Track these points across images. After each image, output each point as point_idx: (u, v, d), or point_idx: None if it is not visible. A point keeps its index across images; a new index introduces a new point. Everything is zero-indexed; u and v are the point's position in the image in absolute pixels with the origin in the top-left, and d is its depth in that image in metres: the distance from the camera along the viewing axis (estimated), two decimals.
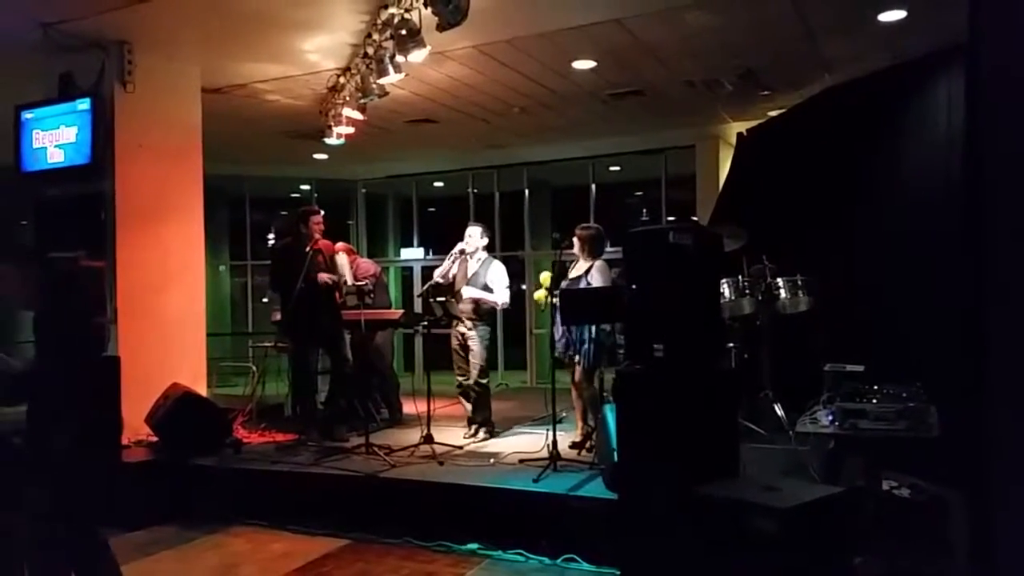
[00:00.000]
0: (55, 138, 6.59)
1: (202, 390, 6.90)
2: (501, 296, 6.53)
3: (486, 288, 6.52)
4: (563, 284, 6.10)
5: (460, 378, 6.71)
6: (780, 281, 6.13)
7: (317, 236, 6.52)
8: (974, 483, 2.41)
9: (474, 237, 6.65)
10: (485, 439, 6.59)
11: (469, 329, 6.55)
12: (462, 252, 6.62)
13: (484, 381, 6.67)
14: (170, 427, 6.16)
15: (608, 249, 6.31)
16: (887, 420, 4.06)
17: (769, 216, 6.69)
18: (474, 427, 6.68)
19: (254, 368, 8.22)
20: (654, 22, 6.45)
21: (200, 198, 7.26)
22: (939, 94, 6.12)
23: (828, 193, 6.72)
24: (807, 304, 6.08)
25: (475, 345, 6.55)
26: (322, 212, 6.76)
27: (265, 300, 12.28)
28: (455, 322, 6.58)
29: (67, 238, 6.47)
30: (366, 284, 6.62)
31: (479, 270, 6.58)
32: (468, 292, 6.49)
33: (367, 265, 7.74)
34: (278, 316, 7.44)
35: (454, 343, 6.68)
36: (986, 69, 2.44)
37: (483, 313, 6.59)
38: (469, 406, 6.72)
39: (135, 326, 6.45)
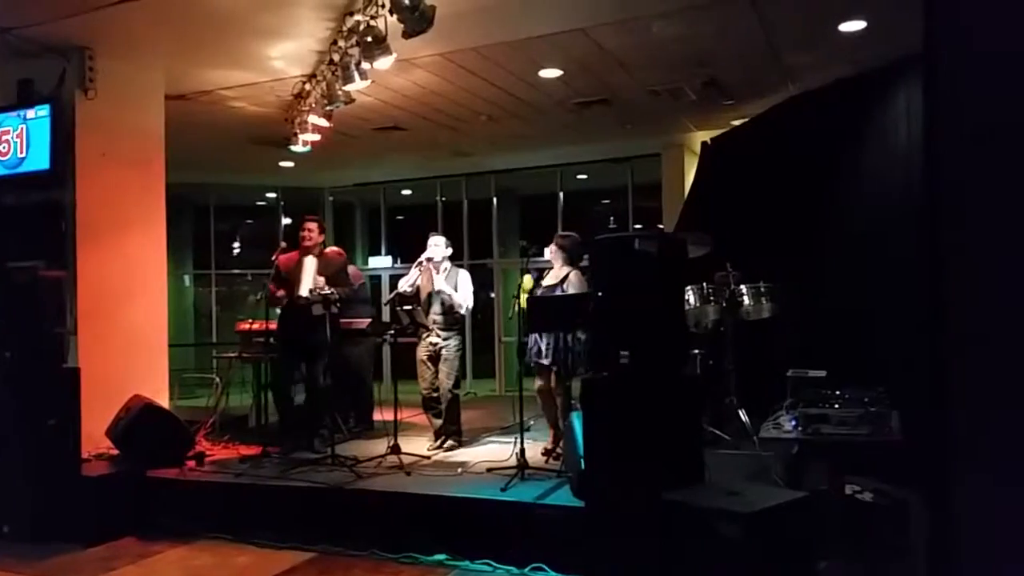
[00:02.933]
0: (13, 145, 6.47)
1: (164, 402, 6.79)
2: (465, 299, 6.54)
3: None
4: (539, 291, 6.12)
5: (425, 391, 6.64)
6: (744, 288, 6.18)
7: (306, 244, 6.50)
8: (933, 486, 2.44)
9: (440, 246, 6.64)
10: (452, 448, 6.55)
11: (444, 339, 6.53)
12: (430, 260, 6.60)
13: (456, 391, 6.66)
14: (131, 439, 6.05)
15: None
16: (849, 424, 4.11)
17: (733, 223, 6.76)
18: (441, 438, 6.61)
19: (218, 379, 8.11)
20: (619, 31, 6.49)
21: (163, 207, 7.15)
22: (899, 103, 6.24)
23: (791, 201, 6.82)
24: (770, 311, 6.14)
25: (449, 354, 6.52)
26: (307, 220, 6.72)
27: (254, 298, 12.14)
28: (425, 333, 6.55)
29: (26, 248, 6.36)
30: (332, 293, 6.56)
31: (446, 280, 6.57)
32: (439, 283, 6.48)
33: (353, 272, 7.66)
34: (244, 326, 7.38)
35: (422, 354, 6.61)
36: (941, 78, 2.48)
37: (455, 322, 6.60)
38: (437, 421, 6.66)
39: (96, 337, 6.34)
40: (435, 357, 6.56)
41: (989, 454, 2.27)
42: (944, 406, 2.36)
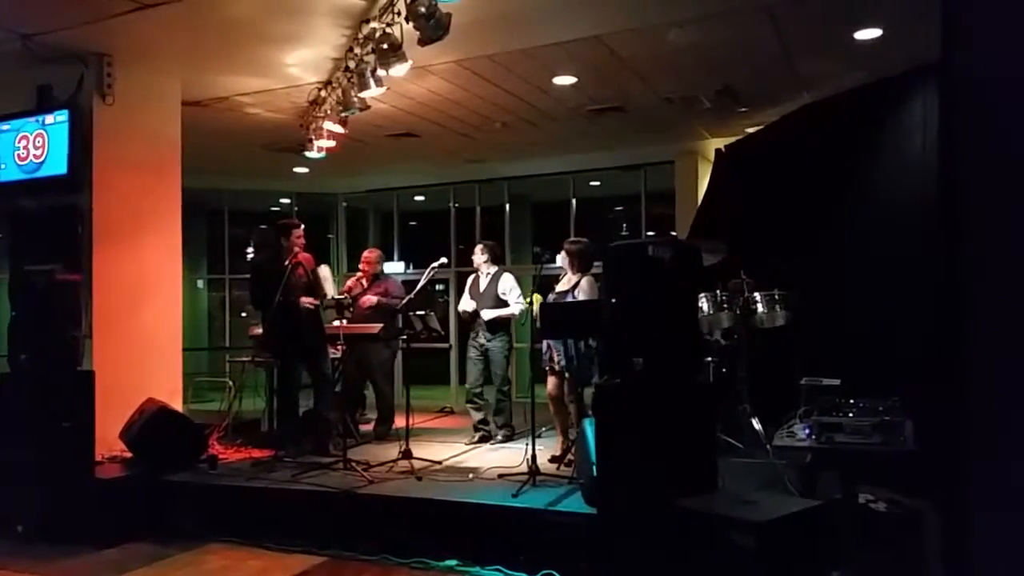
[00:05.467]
0: (32, 150, 6.53)
1: (178, 405, 6.82)
2: (516, 307, 6.89)
3: (499, 300, 6.91)
4: (550, 297, 6.15)
5: (470, 387, 7.12)
6: (757, 296, 6.15)
7: (297, 249, 6.50)
8: (948, 496, 2.42)
9: (476, 256, 7.12)
10: (503, 441, 6.98)
11: (489, 341, 6.91)
12: (476, 272, 7.13)
13: (506, 389, 7.09)
14: (145, 443, 6.08)
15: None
16: (863, 433, 4.09)
17: (747, 231, 6.75)
18: (480, 432, 7.07)
19: (231, 383, 8.15)
20: (634, 39, 6.49)
21: (178, 211, 7.20)
22: (915, 111, 6.22)
23: (805, 208, 6.79)
24: (784, 319, 6.11)
25: (495, 356, 6.93)
26: (302, 225, 6.75)
27: (244, 314, 12.23)
28: (473, 333, 7.00)
29: (43, 251, 6.40)
30: (346, 298, 6.61)
31: (489, 284, 6.94)
32: (487, 315, 6.90)
33: (392, 285, 7.71)
34: (257, 331, 7.40)
35: (471, 353, 7.06)
36: (958, 86, 2.48)
37: (501, 323, 6.96)
38: (477, 415, 7.10)
39: (111, 340, 6.38)
40: (483, 356, 6.96)
41: (1005, 459, 2.26)
42: (957, 416, 2.35)
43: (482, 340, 6.95)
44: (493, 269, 7.04)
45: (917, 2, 5.16)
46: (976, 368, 2.34)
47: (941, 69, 2.58)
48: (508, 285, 6.93)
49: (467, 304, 7.10)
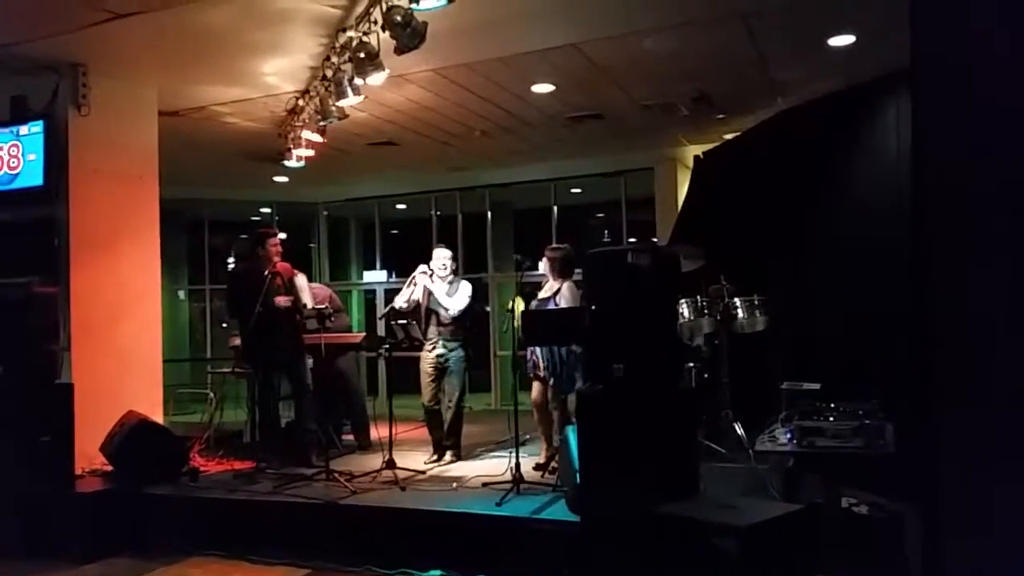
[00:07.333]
0: (6, 161, 6.47)
1: (159, 418, 6.76)
2: (453, 304, 6.49)
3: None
4: (533, 304, 6.13)
5: (428, 403, 6.64)
6: (738, 301, 6.18)
7: (275, 259, 6.47)
8: (925, 498, 2.44)
9: (439, 259, 6.68)
10: (451, 462, 6.55)
11: (450, 351, 6.55)
12: (433, 274, 6.61)
13: (462, 406, 6.65)
14: (125, 456, 6.02)
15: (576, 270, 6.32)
16: (844, 437, 4.12)
17: (727, 236, 6.79)
18: (443, 451, 6.62)
19: (212, 395, 8.09)
20: (611, 47, 6.53)
21: (156, 222, 7.15)
22: (888, 116, 6.27)
23: (783, 213, 6.84)
24: (764, 324, 6.14)
25: (455, 367, 6.54)
26: (280, 234, 6.73)
27: (224, 325, 12.16)
28: (430, 345, 6.57)
29: (19, 264, 6.35)
30: (326, 308, 6.57)
31: (448, 290, 6.62)
32: (439, 295, 6.50)
33: (319, 290, 7.69)
34: (237, 341, 7.36)
35: (427, 366, 6.59)
36: (928, 92, 2.50)
37: (461, 336, 6.60)
38: (438, 434, 6.68)
39: (90, 353, 6.32)
40: (440, 369, 6.55)
41: (980, 457, 2.29)
42: (930, 417, 2.38)
43: (440, 350, 6.52)
44: (452, 277, 6.68)
45: (889, 9, 5.22)
46: (948, 370, 2.36)
47: (911, 74, 2.60)
48: (463, 292, 6.58)
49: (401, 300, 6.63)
